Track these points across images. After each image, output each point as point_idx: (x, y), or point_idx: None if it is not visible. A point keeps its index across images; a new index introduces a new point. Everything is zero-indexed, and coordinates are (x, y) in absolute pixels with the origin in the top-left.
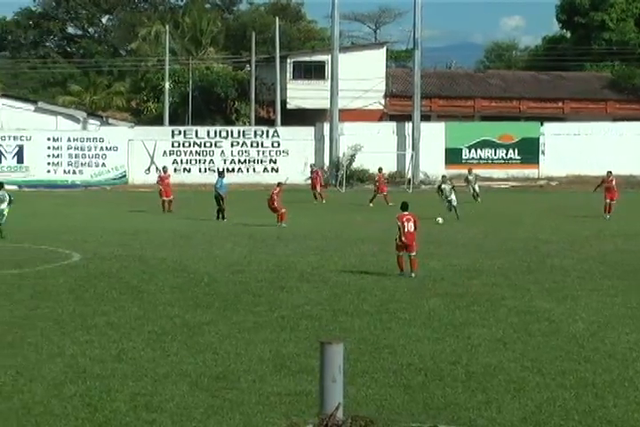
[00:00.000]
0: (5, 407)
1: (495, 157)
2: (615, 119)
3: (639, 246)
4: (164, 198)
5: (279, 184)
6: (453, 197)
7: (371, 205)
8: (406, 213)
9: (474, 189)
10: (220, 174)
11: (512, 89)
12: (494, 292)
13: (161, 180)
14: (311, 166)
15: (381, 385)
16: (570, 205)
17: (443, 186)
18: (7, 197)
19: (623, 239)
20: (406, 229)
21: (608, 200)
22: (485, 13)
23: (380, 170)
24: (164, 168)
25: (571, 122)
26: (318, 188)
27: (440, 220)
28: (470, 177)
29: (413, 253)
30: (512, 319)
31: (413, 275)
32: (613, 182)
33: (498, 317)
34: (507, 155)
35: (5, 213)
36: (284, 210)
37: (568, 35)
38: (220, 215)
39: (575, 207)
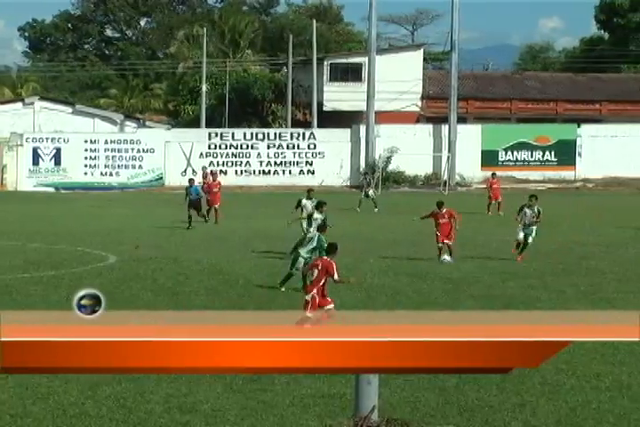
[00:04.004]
0: (41, 408)
1: (531, 159)
2: None
3: None
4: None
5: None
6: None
7: (489, 213)
8: None
9: (367, 194)
10: (191, 181)
11: (549, 91)
12: (530, 294)
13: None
14: (203, 169)
15: (415, 387)
16: (606, 207)
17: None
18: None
19: None
20: None
21: None
22: (523, 14)
23: (493, 175)
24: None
25: (608, 124)
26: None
27: None
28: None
29: None
30: None
31: None
32: None
33: None
34: (543, 157)
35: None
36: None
37: (606, 36)
38: (204, 219)
39: (612, 209)
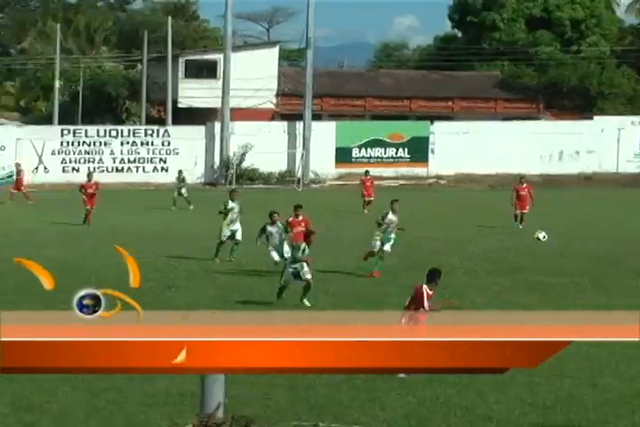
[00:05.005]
0: None
1: (385, 156)
2: (504, 118)
3: (523, 243)
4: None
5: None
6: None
7: (365, 211)
8: None
9: (180, 192)
10: None
11: (403, 88)
12: (380, 290)
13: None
14: (17, 165)
15: (266, 385)
16: (457, 204)
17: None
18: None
19: (507, 237)
20: None
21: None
22: (379, 12)
23: (366, 173)
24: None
25: (460, 121)
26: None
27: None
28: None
29: None
30: None
31: None
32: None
33: None
34: (396, 153)
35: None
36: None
37: (459, 34)
38: None
39: (463, 206)
